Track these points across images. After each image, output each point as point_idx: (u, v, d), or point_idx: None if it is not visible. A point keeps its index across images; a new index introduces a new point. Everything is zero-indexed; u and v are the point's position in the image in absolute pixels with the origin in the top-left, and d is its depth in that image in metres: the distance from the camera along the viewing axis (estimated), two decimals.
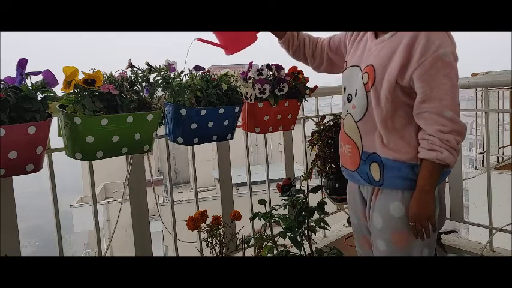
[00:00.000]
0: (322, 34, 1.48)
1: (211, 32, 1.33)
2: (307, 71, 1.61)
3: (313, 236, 1.76)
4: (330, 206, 1.92)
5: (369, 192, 1.29)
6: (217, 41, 1.36)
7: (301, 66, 1.62)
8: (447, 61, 1.10)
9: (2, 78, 1.04)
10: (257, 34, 1.36)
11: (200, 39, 1.30)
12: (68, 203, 13.21)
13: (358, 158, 1.26)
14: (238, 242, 1.65)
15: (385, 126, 1.18)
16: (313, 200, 1.75)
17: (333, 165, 2.00)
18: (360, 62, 1.26)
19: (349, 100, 1.29)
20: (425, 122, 1.14)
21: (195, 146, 1.51)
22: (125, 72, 1.24)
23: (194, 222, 1.47)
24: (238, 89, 1.46)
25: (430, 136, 1.13)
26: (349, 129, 1.29)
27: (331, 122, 2.03)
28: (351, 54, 1.33)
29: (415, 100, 1.15)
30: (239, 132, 1.63)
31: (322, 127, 2.02)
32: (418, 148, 1.16)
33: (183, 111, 1.33)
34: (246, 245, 1.72)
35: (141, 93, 1.24)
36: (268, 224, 1.65)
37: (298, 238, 1.66)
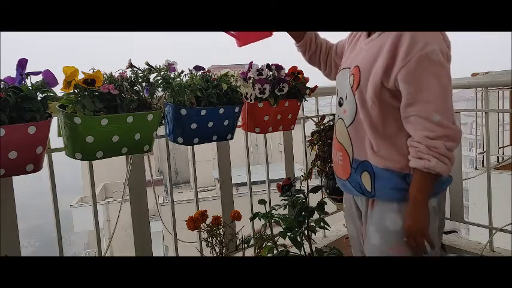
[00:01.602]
0: (326, 35, 1.45)
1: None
2: (307, 71, 1.61)
3: (313, 236, 1.76)
4: (330, 206, 1.92)
5: (363, 203, 1.21)
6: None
7: (301, 66, 1.62)
8: (435, 60, 1.01)
9: (2, 78, 1.04)
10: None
11: None
12: (68, 203, 13.21)
13: (349, 166, 1.19)
14: (238, 242, 1.65)
15: (374, 132, 1.10)
16: (313, 200, 1.75)
17: (333, 165, 2.00)
18: (350, 64, 1.19)
19: (340, 104, 1.21)
20: (412, 127, 1.05)
21: (195, 146, 1.51)
22: (125, 72, 1.24)
23: (194, 222, 1.47)
24: (238, 89, 1.46)
25: (417, 143, 1.04)
26: (340, 136, 1.21)
27: (331, 122, 2.03)
28: (346, 56, 1.27)
29: None
30: (239, 132, 1.63)
31: (322, 127, 2.02)
32: (409, 156, 1.08)
33: (183, 111, 1.33)
34: (246, 245, 1.72)
35: (141, 93, 1.24)
36: (268, 224, 1.65)
37: (298, 238, 1.66)
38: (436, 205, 1.13)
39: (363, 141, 1.13)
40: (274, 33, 1.41)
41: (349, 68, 1.18)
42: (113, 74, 1.20)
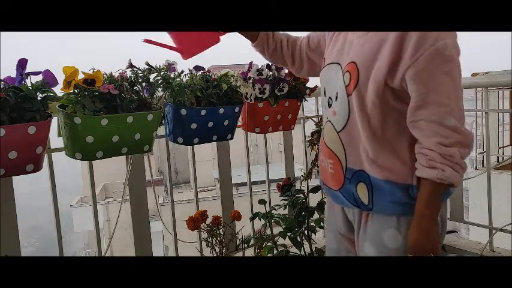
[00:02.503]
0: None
1: (166, 33, 1.16)
2: None
3: (313, 236, 1.77)
4: None
5: (356, 215, 1.08)
6: (172, 43, 1.18)
7: None
8: (448, 55, 0.90)
9: (2, 78, 1.04)
10: (221, 36, 1.18)
11: (147, 40, 1.11)
12: (68, 203, 13.20)
13: (342, 176, 1.06)
14: (238, 242, 1.65)
15: (372, 138, 0.98)
16: (313, 200, 1.75)
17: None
18: (339, 58, 1.05)
19: (329, 105, 1.08)
20: (421, 133, 0.94)
21: (195, 146, 1.51)
22: (125, 72, 1.24)
23: (194, 222, 1.47)
24: (238, 89, 1.46)
25: (428, 151, 0.92)
26: (330, 141, 1.08)
27: None
28: (330, 49, 1.13)
29: (408, 105, 0.96)
30: (239, 132, 1.64)
31: (322, 127, 2.02)
32: (415, 164, 0.96)
33: (183, 111, 1.33)
34: (246, 245, 1.72)
35: (141, 93, 1.24)
36: (268, 224, 1.65)
37: (298, 238, 1.66)
38: (439, 218, 1.03)
39: (358, 148, 1.01)
40: None
41: (338, 63, 1.05)
42: (113, 74, 1.20)
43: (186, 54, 1.17)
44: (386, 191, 0.99)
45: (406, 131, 0.98)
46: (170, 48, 1.16)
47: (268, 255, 1.63)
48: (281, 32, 1.29)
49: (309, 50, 1.26)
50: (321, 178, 1.18)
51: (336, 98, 1.04)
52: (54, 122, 1.13)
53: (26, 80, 1.05)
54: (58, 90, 1.08)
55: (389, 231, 1.01)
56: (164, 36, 1.19)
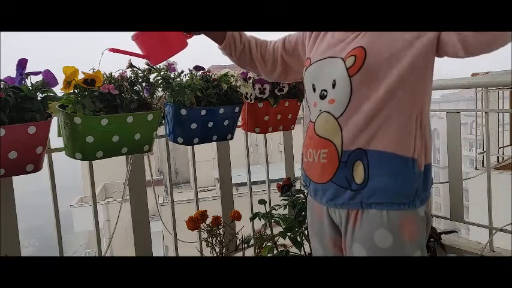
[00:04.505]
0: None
1: (132, 41, 1.12)
2: None
3: None
4: None
5: (342, 216, 1.05)
6: (137, 50, 1.14)
7: None
8: None
9: (2, 78, 1.04)
10: (189, 40, 1.15)
11: (113, 49, 1.08)
12: (68, 203, 13.20)
13: (337, 162, 1.02)
14: (238, 242, 1.65)
15: (380, 108, 0.98)
16: None
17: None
18: (332, 53, 1.06)
19: (323, 97, 1.06)
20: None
21: (195, 146, 1.51)
22: (125, 72, 1.24)
23: (194, 222, 1.47)
24: (238, 89, 1.46)
25: None
26: (325, 130, 1.05)
27: None
28: (315, 49, 1.13)
29: (424, 82, 1.00)
30: (239, 132, 1.64)
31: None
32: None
33: (183, 111, 1.33)
34: (246, 245, 1.72)
35: (141, 93, 1.24)
36: (268, 224, 1.65)
37: (298, 238, 1.66)
38: (424, 214, 1.04)
39: (358, 124, 0.99)
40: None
41: (332, 56, 1.05)
42: (113, 74, 1.20)
43: (154, 60, 1.16)
44: (385, 160, 0.98)
45: (416, 105, 0.99)
46: (137, 55, 1.13)
47: (268, 255, 1.63)
48: (247, 34, 1.26)
49: (285, 53, 1.25)
50: (306, 176, 1.13)
51: (334, 85, 1.03)
52: (54, 122, 1.13)
53: (26, 80, 1.05)
54: (58, 90, 1.09)
55: (379, 231, 0.99)
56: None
